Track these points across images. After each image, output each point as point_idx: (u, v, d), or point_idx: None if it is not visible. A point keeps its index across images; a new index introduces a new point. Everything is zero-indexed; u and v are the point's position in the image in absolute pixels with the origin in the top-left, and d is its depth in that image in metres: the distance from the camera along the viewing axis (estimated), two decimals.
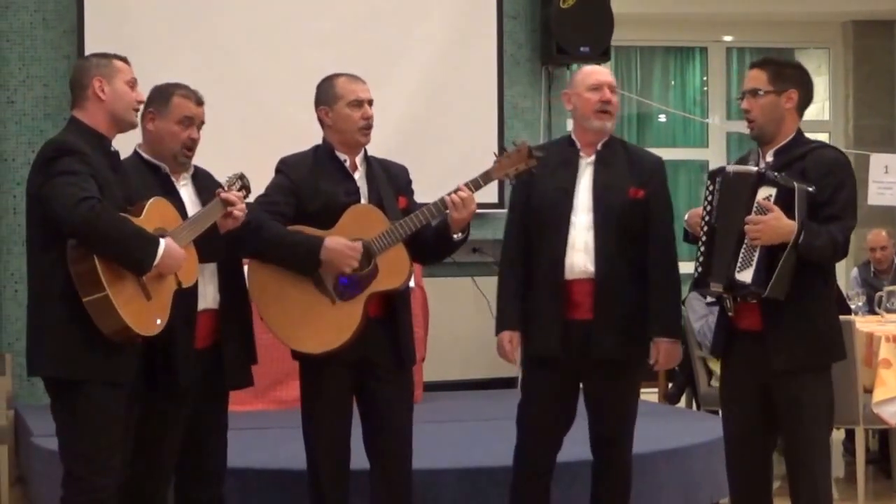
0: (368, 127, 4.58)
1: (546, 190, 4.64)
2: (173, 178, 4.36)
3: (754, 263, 4.16)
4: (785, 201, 4.14)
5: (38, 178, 3.97)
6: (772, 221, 4.13)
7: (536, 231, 4.65)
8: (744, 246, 4.19)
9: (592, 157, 4.64)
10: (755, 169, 4.27)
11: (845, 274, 10.64)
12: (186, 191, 4.39)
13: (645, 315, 4.57)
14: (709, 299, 4.54)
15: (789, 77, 4.34)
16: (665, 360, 4.60)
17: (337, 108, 4.58)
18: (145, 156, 4.37)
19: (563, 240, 4.58)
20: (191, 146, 4.35)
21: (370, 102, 4.60)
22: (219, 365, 4.35)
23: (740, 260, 4.19)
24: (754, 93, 4.32)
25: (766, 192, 4.18)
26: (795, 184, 4.16)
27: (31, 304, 4.08)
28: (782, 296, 4.17)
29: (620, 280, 4.55)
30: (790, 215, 4.13)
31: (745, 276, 4.18)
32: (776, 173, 4.22)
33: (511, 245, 4.76)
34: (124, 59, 4.17)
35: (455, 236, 4.51)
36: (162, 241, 3.96)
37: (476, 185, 4.49)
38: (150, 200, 4.08)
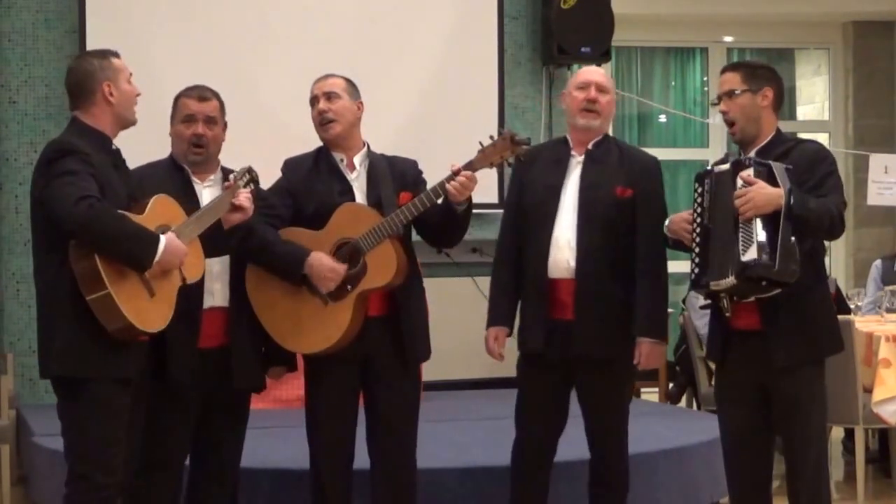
0: (323, 122, 4.59)
1: (536, 188, 4.66)
2: (196, 179, 4.40)
3: (755, 239, 4.14)
4: (766, 176, 4.18)
5: (41, 180, 4.00)
6: (759, 189, 4.15)
7: (526, 229, 4.67)
8: (741, 228, 4.17)
9: (582, 156, 4.65)
10: (729, 162, 4.31)
11: (844, 273, 10.65)
12: (210, 192, 4.41)
13: (630, 314, 4.56)
14: (702, 302, 4.52)
15: (762, 76, 4.41)
16: (646, 360, 4.57)
17: (311, 110, 4.64)
18: (176, 160, 4.45)
19: (547, 238, 4.59)
20: (197, 143, 4.39)
21: (327, 96, 4.59)
22: (229, 364, 4.36)
23: (741, 242, 4.16)
24: (731, 94, 4.38)
25: (745, 173, 4.21)
26: (771, 162, 4.22)
27: (40, 306, 4.10)
28: (793, 277, 4.14)
29: (603, 279, 4.54)
30: (774, 185, 4.16)
31: (751, 253, 4.14)
32: (750, 157, 4.27)
33: (502, 242, 4.80)
34: (116, 55, 4.20)
35: (458, 209, 4.49)
36: (162, 238, 3.97)
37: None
38: (153, 198, 4.10)
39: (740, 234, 4.18)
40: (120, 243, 3.91)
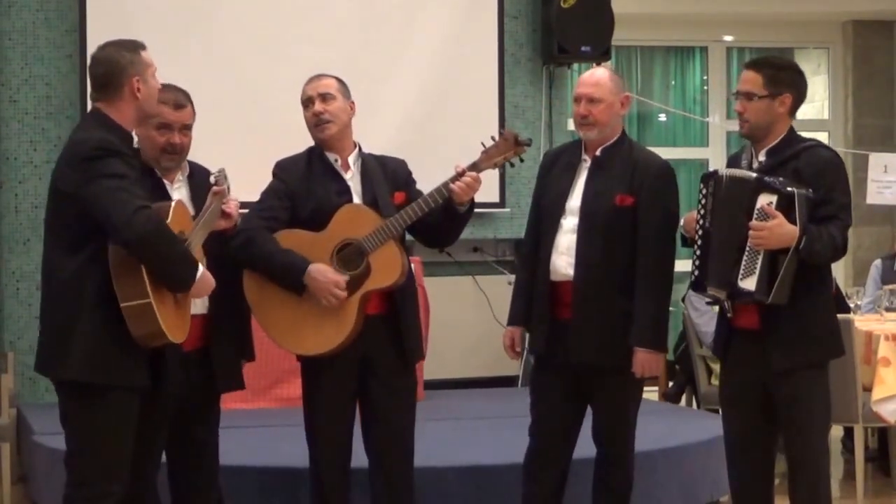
0: (319, 123, 4.57)
1: (550, 191, 4.66)
2: (167, 182, 4.31)
3: (757, 271, 4.17)
4: (786, 207, 4.15)
5: (75, 175, 3.84)
6: (775, 228, 4.13)
7: (541, 231, 4.67)
8: (746, 252, 4.19)
9: (590, 162, 4.63)
10: (754, 175, 4.26)
11: (844, 272, 10.66)
12: (180, 193, 4.34)
13: (629, 322, 4.50)
14: (706, 300, 4.53)
15: (784, 80, 4.34)
16: (642, 370, 4.48)
17: (304, 111, 4.62)
18: (144, 160, 4.30)
19: (552, 241, 4.59)
20: (172, 150, 4.28)
21: (322, 97, 4.57)
22: (208, 367, 4.33)
23: (743, 267, 4.20)
24: (749, 96, 4.33)
25: (766, 199, 4.18)
26: (795, 189, 4.16)
27: (53, 305, 3.95)
28: (784, 300, 4.18)
29: (600, 285, 4.49)
30: (791, 220, 4.14)
31: (749, 283, 4.19)
32: (776, 179, 4.22)
33: (524, 244, 4.83)
34: (144, 47, 4.08)
35: (460, 209, 4.50)
36: (201, 267, 3.94)
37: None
38: (173, 205, 4.00)
39: (744, 258, 4.19)
40: (171, 264, 3.85)
